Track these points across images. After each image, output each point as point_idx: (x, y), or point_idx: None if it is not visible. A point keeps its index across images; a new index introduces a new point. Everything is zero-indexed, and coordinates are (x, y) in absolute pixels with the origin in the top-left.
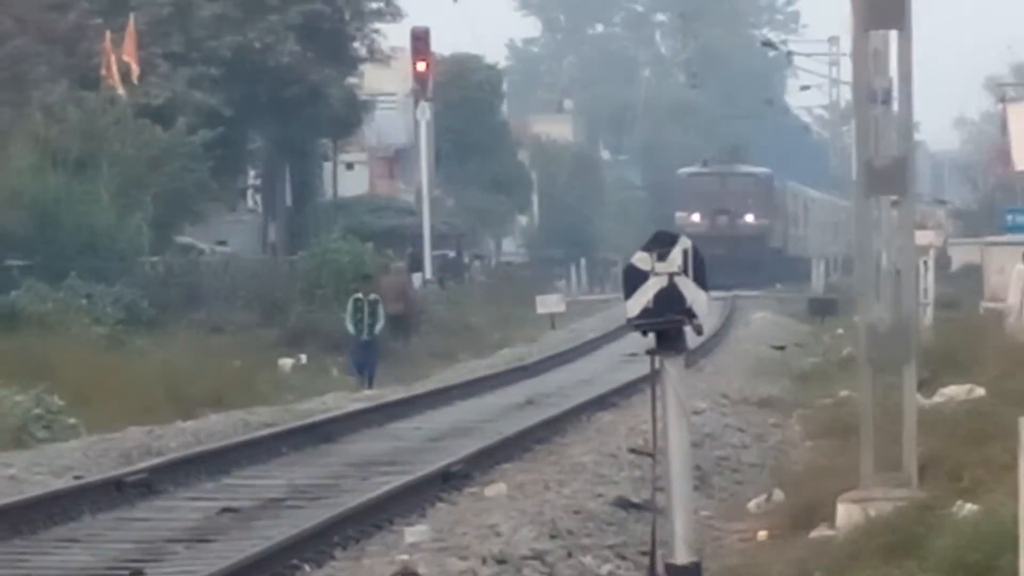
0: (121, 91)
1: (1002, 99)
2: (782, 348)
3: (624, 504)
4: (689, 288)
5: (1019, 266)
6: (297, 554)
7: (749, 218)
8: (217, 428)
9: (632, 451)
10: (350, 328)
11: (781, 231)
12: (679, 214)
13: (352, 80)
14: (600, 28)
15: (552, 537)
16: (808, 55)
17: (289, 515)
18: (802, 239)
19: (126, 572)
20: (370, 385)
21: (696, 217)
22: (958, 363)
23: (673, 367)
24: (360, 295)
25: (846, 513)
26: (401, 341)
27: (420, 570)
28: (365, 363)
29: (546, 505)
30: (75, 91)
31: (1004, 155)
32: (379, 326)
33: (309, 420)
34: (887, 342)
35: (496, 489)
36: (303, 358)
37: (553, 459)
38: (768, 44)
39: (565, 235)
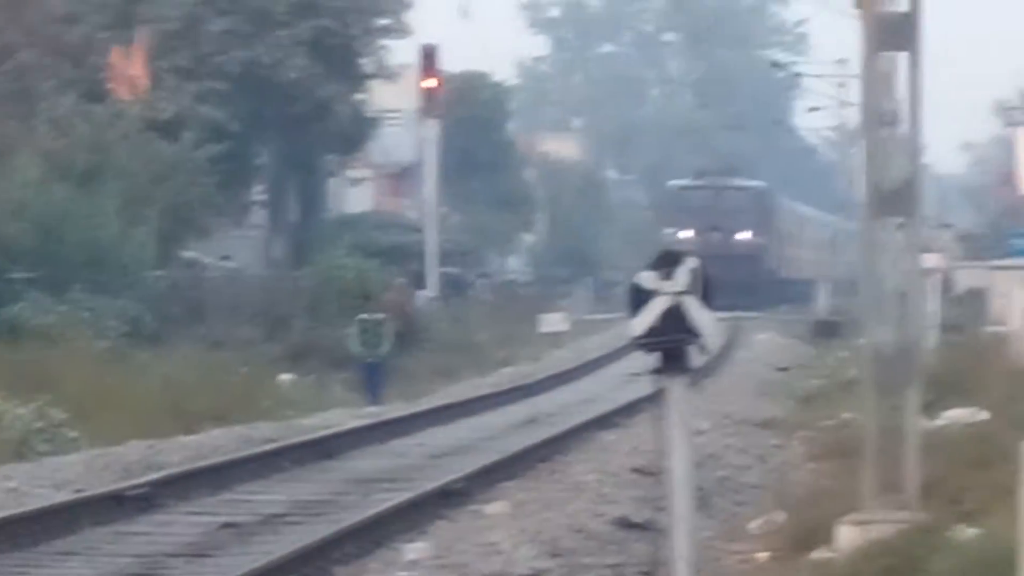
0: (129, 105)
1: (1010, 123)
2: (785, 369)
3: (625, 524)
4: (695, 307)
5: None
6: (297, 570)
7: (744, 235)
8: (219, 443)
9: (634, 470)
10: (356, 350)
11: (776, 250)
12: (668, 230)
13: (360, 96)
14: (609, 47)
15: (553, 556)
16: (816, 76)
17: (289, 531)
18: (795, 260)
19: None
20: (379, 402)
21: (687, 233)
22: (962, 386)
23: (677, 387)
24: (366, 316)
25: (847, 535)
26: (401, 358)
27: None
28: (371, 383)
29: (547, 523)
30: (82, 104)
31: (1011, 179)
32: (384, 347)
33: (311, 436)
34: (891, 365)
35: (497, 507)
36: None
37: (555, 478)
38: (776, 65)
39: (570, 254)
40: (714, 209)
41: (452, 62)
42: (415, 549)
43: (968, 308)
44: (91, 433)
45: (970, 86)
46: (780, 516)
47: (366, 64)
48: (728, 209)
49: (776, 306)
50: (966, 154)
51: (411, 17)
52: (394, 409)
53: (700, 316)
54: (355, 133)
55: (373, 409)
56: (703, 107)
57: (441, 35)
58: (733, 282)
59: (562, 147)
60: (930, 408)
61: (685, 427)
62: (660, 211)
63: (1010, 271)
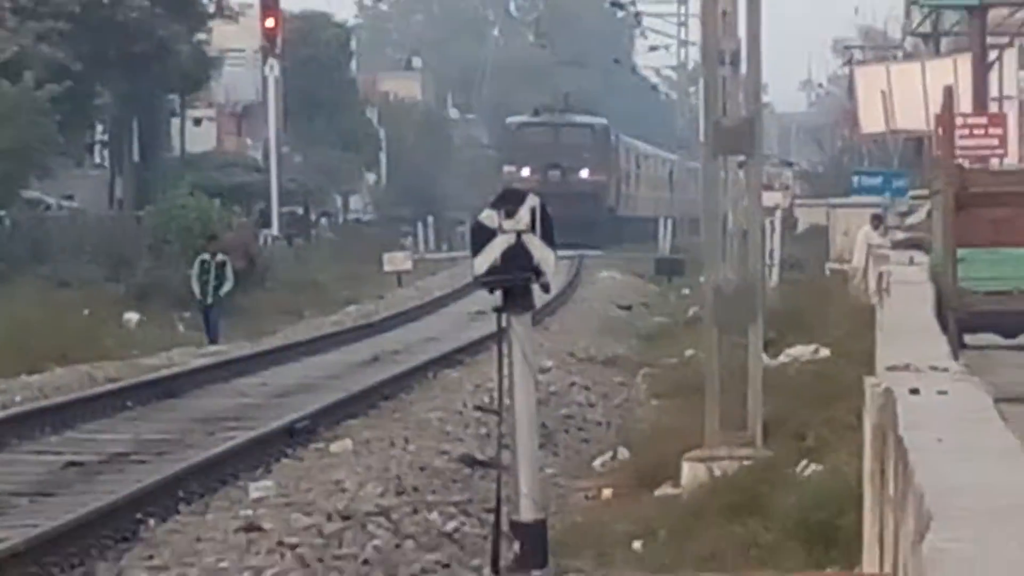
0: None
1: (849, 61)
2: (628, 308)
3: (469, 461)
4: (536, 246)
5: (865, 228)
6: (141, 509)
7: (584, 173)
8: (62, 382)
9: (478, 408)
10: (195, 290)
11: (616, 188)
12: (507, 168)
13: (201, 36)
14: None
15: (398, 494)
16: (657, 16)
17: (133, 470)
18: (635, 197)
19: None
20: (216, 341)
21: (526, 171)
22: (803, 324)
23: (520, 325)
24: (207, 256)
25: (691, 472)
26: (242, 296)
27: (265, 525)
28: (211, 324)
29: (392, 462)
30: None
31: (851, 117)
32: (225, 288)
33: (154, 375)
34: (733, 303)
35: (341, 445)
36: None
37: (399, 416)
38: (616, 4)
39: (413, 193)
40: (553, 146)
41: (293, 2)
42: (260, 487)
43: (809, 246)
44: None
45: (810, 25)
46: (624, 453)
47: (207, 4)
48: (567, 146)
49: (617, 244)
50: (806, 93)
51: None
52: (237, 348)
53: (542, 254)
54: (196, 73)
55: (213, 348)
56: (543, 47)
57: None
58: (573, 221)
59: (403, 87)
60: (772, 346)
61: (529, 365)
62: (499, 149)
63: (850, 209)
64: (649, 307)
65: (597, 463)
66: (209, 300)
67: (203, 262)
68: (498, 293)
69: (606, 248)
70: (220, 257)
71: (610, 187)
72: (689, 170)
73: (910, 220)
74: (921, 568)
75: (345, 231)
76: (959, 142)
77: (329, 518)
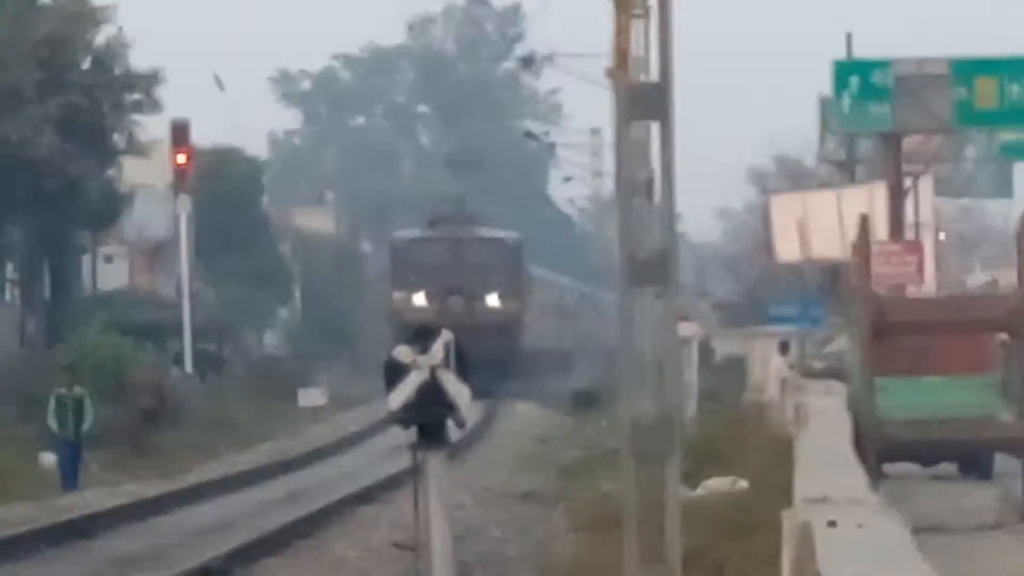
0: None
1: (764, 190)
2: (545, 441)
3: None
4: (451, 381)
5: (775, 358)
6: None
7: (492, 300)
8: None
9: (395, 545)
10: (53, 426)
11: (528, 317)
12: (397, 294)
13: (111, 172)
14: (361, 120)
15: None
16: (570, 146)
17: None
18: (543, 327)
19: None
20: (74, 487)
21: (419, 299)
22: (721, 455)
23: (435, 461)
24: (64, 390)
25: None
26: (154, 435)
27: None
28: (70, 464)
29: None
30: None
31: (766, 246)
32: (86, 425)
33: (67, 516)
34: (650, 435)
35: None
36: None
37: (315, 554)
38: (530, 135)
39: (327, 328)
40: (454, 267)
41: (204, 136)
42: None
43: (726, 376)
44: None
45: (725, 153)
46: None
47: (117, 140)
48: (472, 266)
49: (531, 379)
50: (722, 222)
51: (162, 92)
52: (152, 487)
53: (456, 390)
54: (107, 209)
55: (73, 495)
56: (457, 179)
57: (193, 109)
58: (481, 360)
59: (316, 221)
60: (690, 478)
61: (444, 501)
62: (389, 271)
63: (766, 339)
64: (566, 440)
65: None
66: (71, 436)
67: (59, 397)
68: (413, 429)
69: (522, 383)
70: (77, 391)
71: (523, 317)
72: (595, 298)
73: (827, 349)
74: None
75: (259, 367)
76: (875, 270)
77: None
